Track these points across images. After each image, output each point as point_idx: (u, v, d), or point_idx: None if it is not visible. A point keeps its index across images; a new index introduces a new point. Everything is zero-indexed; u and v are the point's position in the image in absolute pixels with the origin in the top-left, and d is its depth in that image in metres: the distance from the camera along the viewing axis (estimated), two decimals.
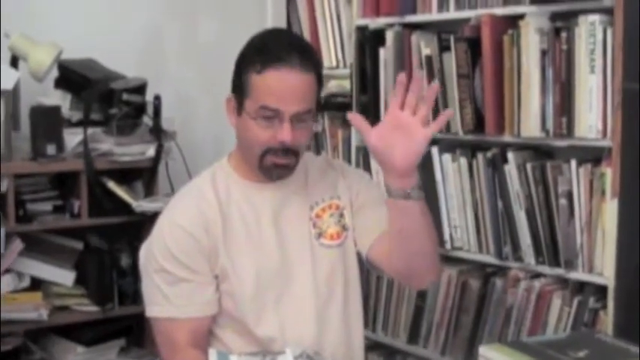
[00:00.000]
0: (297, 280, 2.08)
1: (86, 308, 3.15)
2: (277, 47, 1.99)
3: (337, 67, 3.47)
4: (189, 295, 2.03)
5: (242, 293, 2.04)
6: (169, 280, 2.04)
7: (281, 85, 1.95)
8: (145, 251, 2.11)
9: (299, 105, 1.96)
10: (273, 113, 1.95)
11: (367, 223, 2.12)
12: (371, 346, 3.12)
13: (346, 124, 3.37)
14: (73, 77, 3.11)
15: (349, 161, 3.28)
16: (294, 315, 2.07)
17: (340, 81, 3.50)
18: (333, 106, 3.47)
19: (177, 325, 2.04)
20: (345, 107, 3.35)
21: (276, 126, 1.96)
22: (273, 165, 2.01)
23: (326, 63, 3.50)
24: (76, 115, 3.11)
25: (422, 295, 3.04)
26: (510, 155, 2.72)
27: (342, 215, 2.14)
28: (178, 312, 2.04)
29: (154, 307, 2.07)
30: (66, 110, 3.12)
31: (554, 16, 2.63)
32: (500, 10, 2.74)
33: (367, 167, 3.17)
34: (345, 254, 2.13)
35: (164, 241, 2.05)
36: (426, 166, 2.96)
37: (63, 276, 3.12)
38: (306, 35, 3.57)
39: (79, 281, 3.15)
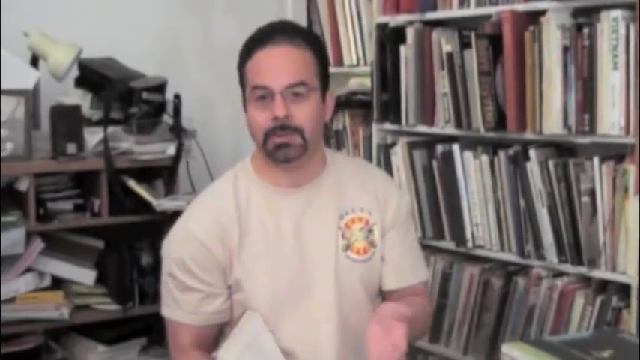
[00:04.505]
0: (318, 291, 2.03)
1: (107, 307, 3.15)
2: (262, 31, 2.02)
3: (358, 64, 3.46)
4: (197, 304, 2.03)
5: (256, 304, 2.01)
6: (179, 286, 2.04)
7: (267, 62, 1.96)
8: (162, 251, 2.11)
9: (287, 77, 1.95)
10: (264, 91, 1.95)
11: (394, 266, 2.12)
12: None
13: (367, 122, 3.36)
14: (93, 76, 3.12)
15: (370, 159, 3.27)
16: (313, 326, 2.03)
17: (361, 79, 3.49)
18: (354, 104, 3.46)
19: (183, 328, 2.05)
20: (366, 105, 3.35)
21: (271, 105, 1.95)
22: (275, 146, 1.97)
23: (346, 61, 3.49)
24: (96, 114, 3.12)
25: (444, 294, 3.03)
26: (532, 152, 2.70)
27: (370, 231, 2.10)
28: (185, 318, 2.04)
29: (166, 308, 2.09)
30: (86, 109, 3.13)
31: (576, 12, 2.60)
32: (522, 6, 2.72)
33: (388, 166, 3.16)
34: (370, 270, 2.10)
35: (178, 250, 2.04)
36: (447, 163, 2.96)
37: (84, 275, 3.12)
38: (327, 33, 3.56)
39: (100, 280, 3.16)
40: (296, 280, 2.03)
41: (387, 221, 2.12)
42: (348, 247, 2.07)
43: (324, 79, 2.05)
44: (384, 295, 2.16)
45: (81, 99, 3.14)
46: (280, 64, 1.96)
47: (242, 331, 1.94)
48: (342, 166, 2.15)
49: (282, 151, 1.97)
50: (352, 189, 2.12)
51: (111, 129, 3.05)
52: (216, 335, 2.10)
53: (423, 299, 2.17)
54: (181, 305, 2.04)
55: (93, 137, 3.05)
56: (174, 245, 2.06)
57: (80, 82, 3.16)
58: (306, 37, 2.03)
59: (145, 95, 3.07)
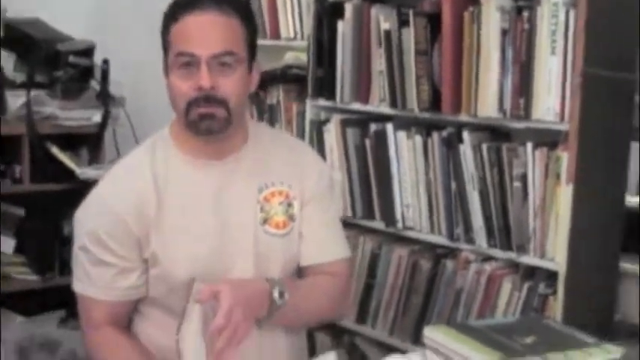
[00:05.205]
0: (237, 266, 1.98)
1: (26, 277, 3.08)
2: None
3: (295, 38, 3.40)
4: (111, 279, 1.96)
5: (174, 280, 1.94)
6: (92, 260, 1.96)
7: (194, 28, 1.89)
8: (75, 223, 2.02)
9: (215, 46, 1.88)
10: (190, 59, 1.87)
11: (311, 241, 2.07)
12: (318, 326, 3.05)
13: (301, 98, 3.31)
14: (17, 37, 3.04)
15: (302, 136, 3.23)
16: None
17: (297, 53, 3.43)
18: (289, 79, 3.41)
19: (97, 305, 1.98)
20: (301, 80, 3.30)
21: (196, 74, 1.87)
22: (198, 116, 1.90)
23: (283, 34, 3.43)
24: (20, 77, 3.04)
25: (372, 274, 3.01)
26: (466, 135, 2.68)
27: (290, 205, 2.05)
28: (98, 293, 1.97)
29: (77, 283, 2.01)
30: (9, 71, 3.04)
31: None
32: None
33: (321, 143, 3.11)
34: (289, 245, 2.05)
35: (92, 221, 1.96)
36: (380, 143, 2.92)
37: (3, 243, 3.05)
38: (265, 5, 3.48)
39: (20, 249, 3.08)
40: (215, 255, 1.97)
41: (306, 194, 2.07)
42: (266, 221, 2.02)
43: (252, 49, 1.98)
44: (300, 272, 2.11)
45: (4, 60, 3.04)
46: (208, 32, 1.89)
47: (194, 308, 1.86)
48: (265, 138, 2.10)
49: (206, 122, 1.91)
50: (274, 162, 2.07)
51: (34, 92, 2.98)
52: (130, 312, 2.04)
53: (328, 278, 2.10)
54: (94, 280, 1.96)
55: (15, 100, 2.96)
56: (87, 217, 1.99)
57: (3, 43, 3.06)
58: (235, 4, 1.95)
59: (71, 59, 2.99)
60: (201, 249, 1.96)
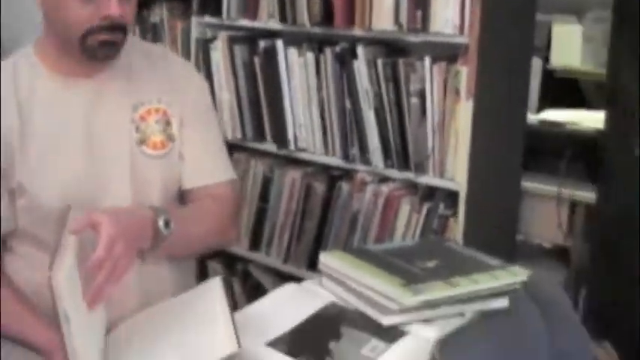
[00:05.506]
0: (112, 192, 1.84)
1: None
2: None
3: None
4: None
5: (44, 209, 1.79)
6: None
7: None
8: None
9: None
10: None
11: (193, 163, 1.95)
12: (210, 254, 2.99)
13: (186, 15, 3.16)
14: None
15: (188, 55, 3.07)
16: None
17: None
18: None
19: None
20: None
21: (101, 1, 1.73)
22: (99, 44, 1.76)
23: None
24: None
25: (264, 199, 2.93)
26: (360, 50, 2.58)
27: (168, 124, 1.92)
28: None
29: None
30: None
31: None
32: None
33: (207, 61, 2.97)
34: (168, 167, 1.92)
35: None
36: (270, 60, 2.81)
37: None
38: None
39: None
40: (88, 180, 1.83)
41: (186, 113, 1.94)
42: (142, 142, 1.88)
43: None
44: (182, 195, 1.99)
45: None
46: None
47: (69, 240, 1.69)
48: (140, 54, 1.95)
49: (105, 49, 1.78)
50: (149, 78, 1.92)
51: None
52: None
53: (213, 202, 1.96)
54: None
55: None
56: None
57: None
58: None
59: None
60: (71, 174, 1.82)
